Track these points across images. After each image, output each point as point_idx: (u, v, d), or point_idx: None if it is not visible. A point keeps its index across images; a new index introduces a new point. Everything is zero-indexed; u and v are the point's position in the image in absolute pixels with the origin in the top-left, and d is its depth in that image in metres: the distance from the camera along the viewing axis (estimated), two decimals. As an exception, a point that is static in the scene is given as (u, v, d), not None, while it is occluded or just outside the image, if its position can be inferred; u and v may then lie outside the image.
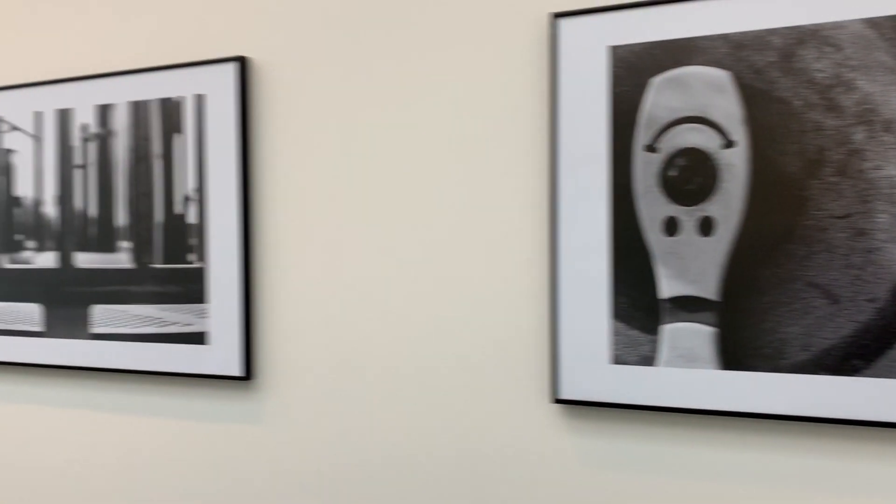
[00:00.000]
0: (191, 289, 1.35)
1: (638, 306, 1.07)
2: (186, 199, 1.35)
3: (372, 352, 1.24)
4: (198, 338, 1.35)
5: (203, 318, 1.34)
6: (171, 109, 1.36)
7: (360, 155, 1.24)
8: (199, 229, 1.34)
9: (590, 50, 1.08)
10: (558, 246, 1.10)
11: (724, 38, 1.02)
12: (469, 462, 1.18)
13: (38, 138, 1.47)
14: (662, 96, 1.05)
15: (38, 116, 1.47)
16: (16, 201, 1.49)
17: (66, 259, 1.45)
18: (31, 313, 1.48)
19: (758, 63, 1.01)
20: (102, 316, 1.42)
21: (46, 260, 1.47)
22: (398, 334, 1.22)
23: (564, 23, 1.09)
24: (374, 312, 1.23)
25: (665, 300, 1.05)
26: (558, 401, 1.11)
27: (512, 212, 1.14)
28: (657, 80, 1.05)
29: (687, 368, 1.05)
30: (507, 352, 1.15)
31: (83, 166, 1.43)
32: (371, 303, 1.24)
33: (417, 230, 1.20)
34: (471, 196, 1.17)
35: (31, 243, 1.48)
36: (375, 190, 1.23)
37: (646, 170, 1.06)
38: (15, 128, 1.49)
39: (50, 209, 1.46)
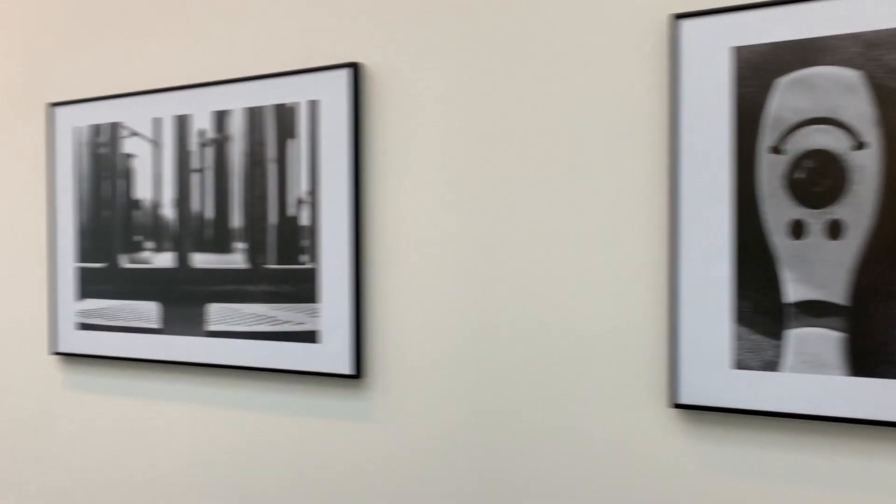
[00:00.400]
0: (303, 289, 1.39)
1: (762, 310, 1.05)
2: (299, 201, 1.39)
3: (483, 352, 1.25)
4: (309, 336, 1.38)
5: (314, 317, 1.38)
6: (285, 115, 1.40)
7: (471, 158, 1.26)
8: (312, 231, 1.38)
9: (712, 51, 1.07)
10: (679, 249, 1.09)
11: (855, 37, 1.00)
12: (584, 465, 1.18)
13: (156, 143, 1.53)
14: (789, 97, 1.03)
15: (157, 122, 1.53)
16: (135, 204, 1.56)
17: (183, 259, 1.51)
18: (149, 311, 1.55)
19: (892, 62, 0.98)
20: (217, 314, 1.47)
21: (164, 260, 1.53)
22: (510, 334, 1.23)
23: (686, 24, 1.09)
24: (486, 313, 1.25)
25: (791, 304, 1.03)
26: (677, 405, 1.10)
27: (631, 214, 1.14)
28: (783, 81, 1.03)
29: (813, 374, 1.03)
30: (624, 355, 1.15)
31: (200, 170, 1.49)
32: (483, 303, 1.25)
33: (532, 233, 1.21)
34: (589, 198, 1.17)
35: (149, 244, 1.55)
36: (488, 193, 1.24)
37: (771, 172, 1.04)
38: (135, 133, 1.56)
39: (168, 211, 1.52)
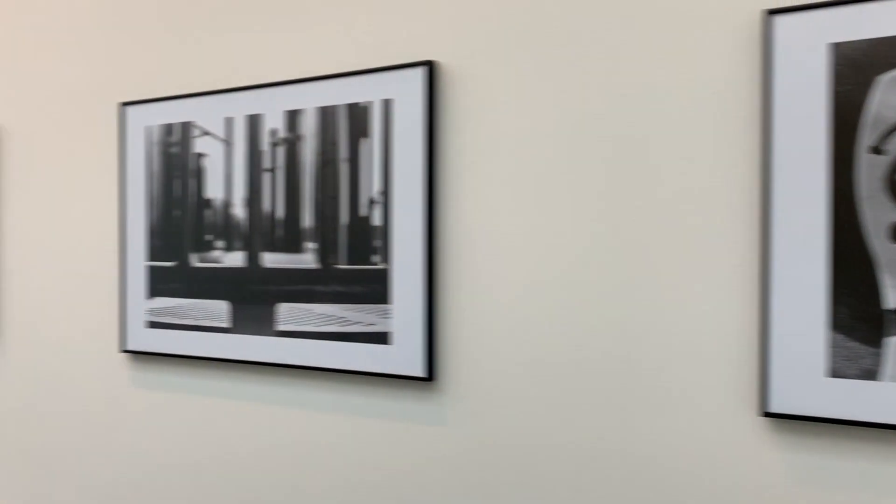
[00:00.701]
0: (374, 289, 1.38)
1: (859, 316, 1.01)
2: (371, 201, 1.38)
3: (561, 355, 1.23)
4: (380, 338, 1.37)
5: (386, 318, 1.37)
6: (358, 114, 1.39)
7: (549, 158, 1.23)
8: (384, 231, 1.37)
9: (808, 48, 1.03)
10: (771, 252, 1.06)
11: (964, 31, 0.95)
12: (668, 475, 1.15)
13: (228, 143, 1.54)
14: (891, 95, 0.99)
15: (229, 122, 1.54)
16: (206, 203, 1.57)
17: (253, 259, 1.51)
18: (219, 310, 1.56)
19: None
20: (287, 314, 1.47)
21: (235, 259, 1.53)
22: (590, 338, 1.20)
23: (780, 20, 1.05)
24: (564, 315, 1.22)
25: (891, 311, 0.99)
26: (767, 414, 1.06)
27: (720, 216, 1.11)
28: (885, 78, 0.99)
29: (915, 384, 0.98)
30: (711, 360, 1.12)
31: (271, 170, 1.49)
32: (561, 306, 1.22)
33: (613, 234, 1.18)
34: (675, 199, 1.14)
35: (220, 243, 1.55)
36: (567, 194, 1.22)
37: (870, 173, 1.00)
38: (206, 133, 1.57)
39: (239, 211, 1.53)
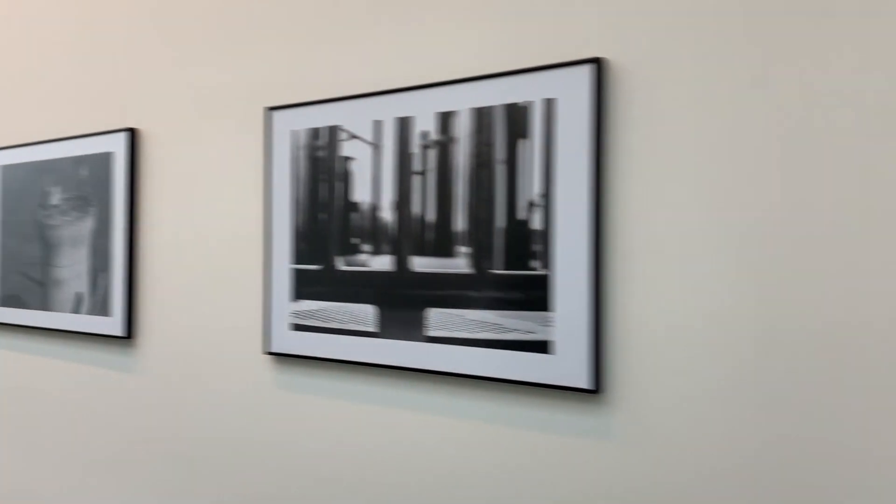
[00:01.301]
0: (533, 296, 1.33)
1: None
2: (531, 204, 1.33)
3: (743, 367, 1.15)
4: (540, 346, 1.32)
5: (547, 326, 1.31)
6: (516, 115, 1.35)
7: (727, 160, 1.16)
8: (544, 235, 1.32)
9: None
10: None
11: None
12: (865, 500, 1.06)
13: (376, 146, 1.52)
14: None
15: (378, 125, 1.52)
16: (353, 206, 1.55)
17: (401, 263, 1.49)
18: (365, 314, 1.54)
19: None
20: (438, 319, 1.44)
21: (382, 263, 1.51)
22: (779, 347, 1.12)
23: None
24: (748, 322, 1.14)
25: None
26: None
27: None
28: None
29: None
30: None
31: (422, 173, 1.46)
32: (745, 312, 1.15)
33: (801, 235, 1.10)
34: (872, 197, 1.05)
35: (367, 247, 1.53)
36: (751, 195, 1.14)
37: None
38: (354, 136, 1.55)
39: (387, 214, 1.51)
